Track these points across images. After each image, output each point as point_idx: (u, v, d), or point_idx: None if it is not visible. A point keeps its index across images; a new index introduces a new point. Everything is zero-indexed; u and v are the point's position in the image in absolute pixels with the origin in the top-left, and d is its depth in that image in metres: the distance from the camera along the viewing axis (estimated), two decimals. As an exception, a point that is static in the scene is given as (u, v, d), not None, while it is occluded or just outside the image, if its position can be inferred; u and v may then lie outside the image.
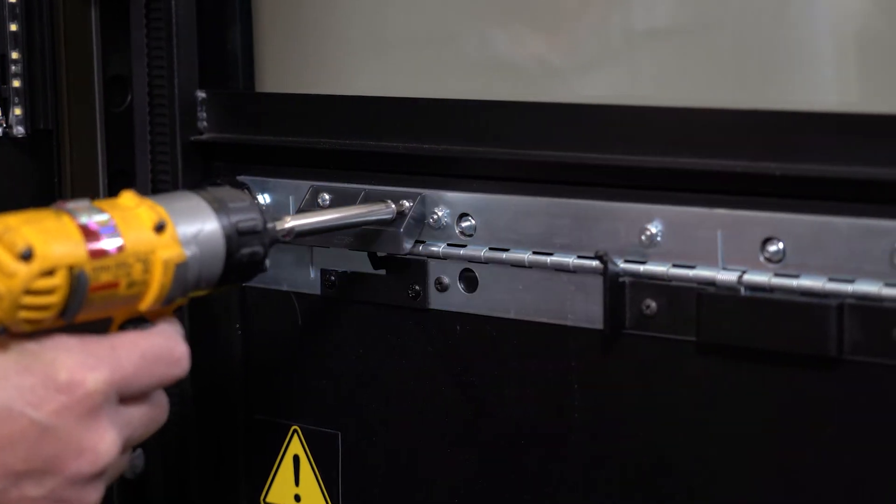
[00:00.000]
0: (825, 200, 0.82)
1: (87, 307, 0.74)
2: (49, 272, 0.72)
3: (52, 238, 0.72)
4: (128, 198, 0.78)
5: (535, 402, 0.95)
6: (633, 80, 1.00)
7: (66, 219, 0.74)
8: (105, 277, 0.74)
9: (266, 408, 1.09)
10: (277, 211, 1.03)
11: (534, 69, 1.05)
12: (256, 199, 1.04)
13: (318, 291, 1.04)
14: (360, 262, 1.01)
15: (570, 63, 1.04)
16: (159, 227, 0.76)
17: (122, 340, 0.76)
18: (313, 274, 1.05)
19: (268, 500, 1.09)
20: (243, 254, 0.80)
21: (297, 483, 1.07)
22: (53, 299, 0.72)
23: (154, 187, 1.06)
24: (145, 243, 0.76)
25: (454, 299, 0.97)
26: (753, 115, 0.85)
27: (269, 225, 0.83)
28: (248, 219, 0.81)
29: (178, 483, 1.13)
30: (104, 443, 0.73)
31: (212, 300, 1.09)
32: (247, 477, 1.10)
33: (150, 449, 1.12)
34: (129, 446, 0.77)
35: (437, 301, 0.98)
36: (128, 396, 0.76)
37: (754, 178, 0.84)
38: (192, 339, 1.09)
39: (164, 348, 0.77)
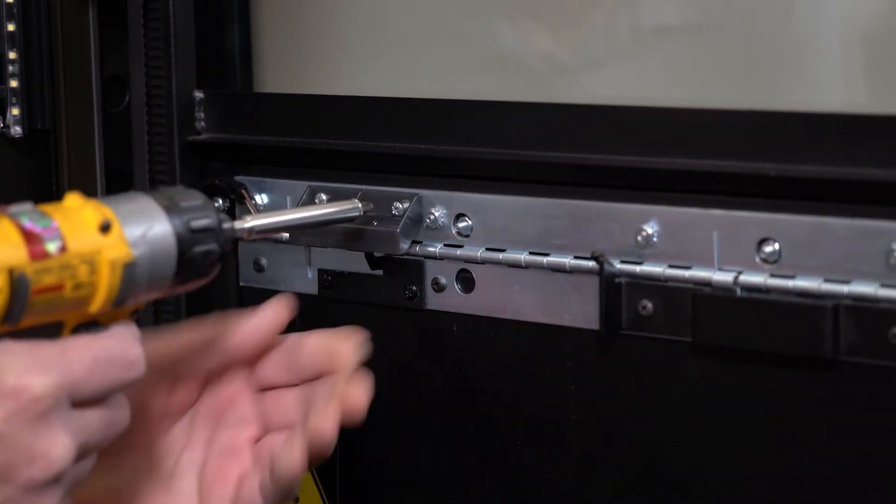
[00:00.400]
0: (821, 201, 0.82)
1: (31, 311, 0.72)
2: None
3: None
4: (72, 199, 0.76)
5: (532, 403, 0.95)
6: (636, 79, 1.00)
7: (5, 222, 0.72)
8: (48, 280, 0.72)
9: (264, 408, 1.09)
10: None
11: (534, 69, 1.04)
12: (252, 199, 1.04)
13: (315, 291, 1.04)
14: (357, 263, 1.01)
15: (572, 62, 1.03)
16: (105, 227, 0.75)
17: (73, 344, 0.74)
18: (310, 274, 1.04)
19: (266, 500, 1.09)
20: (196, 252, 0.78)
21: (294, 483, 1.07)
22: None
23: (152, 188, 1.06)
24: (90, 244, 0.74)
25: (451, 300, 0.97)
26: (749, 115, 0.85)
27: (226, 225, 0.81)
28: (200, 216, 0.79)
29: (176, 483, 1.13)
30: (56, 448, 0.71)
31: (209, 300, 1.09)
32: (245, 477, 1.10)
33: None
34: (86, 452, 0.74)
35: (433, 301, 0.98)
36: (81, 401, 0.73)
37: (750, 179, 0.84)
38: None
39: (117, 351, 0.75)
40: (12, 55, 1.03)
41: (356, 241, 0.98)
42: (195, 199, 0.80)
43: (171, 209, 0.78)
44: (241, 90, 1.13)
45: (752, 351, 0.85)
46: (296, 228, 0.96)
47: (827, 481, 0.84)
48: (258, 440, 0.88)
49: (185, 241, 0.78)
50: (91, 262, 0.74)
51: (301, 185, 1.02)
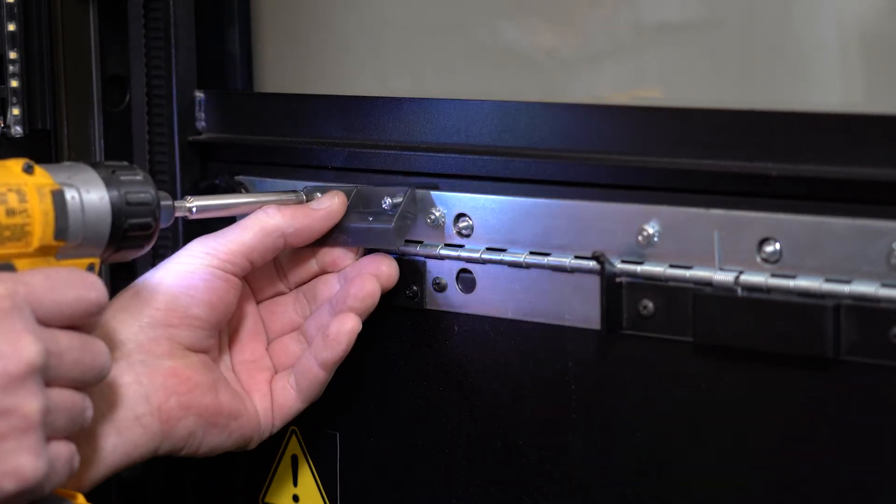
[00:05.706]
0: (822, 201, 0.82)
1: None
2: None
3: None
4: None
5: (533, 403, 0.95)
6: (637, 79, 1.00)
7: None
8: None
9: (264, 408, 1.09)
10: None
11: (535, 68, 1.05)
12: None
13: (315, 291, 1.04)
14: (357, 263, 1.01)
15: (572, 61, 1.04)
16: (27, 168, 0.80)
17: (26, 270, 0.78)
18: (311, 274, 1.04)
19: (266, 500, 1.09)
20: (132, 201, 0.83)
21: (295, 483, 1.07)
22: None
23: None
24: (15, 177, 0.79)
25: (452, 299, 0.97)
26: (750, 115, 0.85)
27: (165, 202, 0.86)
28: (126, 169, 0.84)
29: (176, 483, 1.13)
30: (22, 342, 0.74)
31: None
32: (245, 477, 1.10)
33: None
34: (62, 369, 0.76)
35: (434, 301, 0.98)
36: (46, 316, 0.76)
37: (751, 179, 0.84)
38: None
39: (72, 274, 0.78)
40: (13, 55, 1.03)
41: (353, 239, 0.98)
42: (127, 165, 0.86)
43: (98, 167, 0.83)
44: (242, 90, 1.13)
45: (752, 351, 0.85)
46: (235, 211, 0.99)
47: (827, 481, 0.84)
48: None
49: (117, 189, 0.83)
50: (18, 191, 0.78)
51: (301, 185, 1.02)
